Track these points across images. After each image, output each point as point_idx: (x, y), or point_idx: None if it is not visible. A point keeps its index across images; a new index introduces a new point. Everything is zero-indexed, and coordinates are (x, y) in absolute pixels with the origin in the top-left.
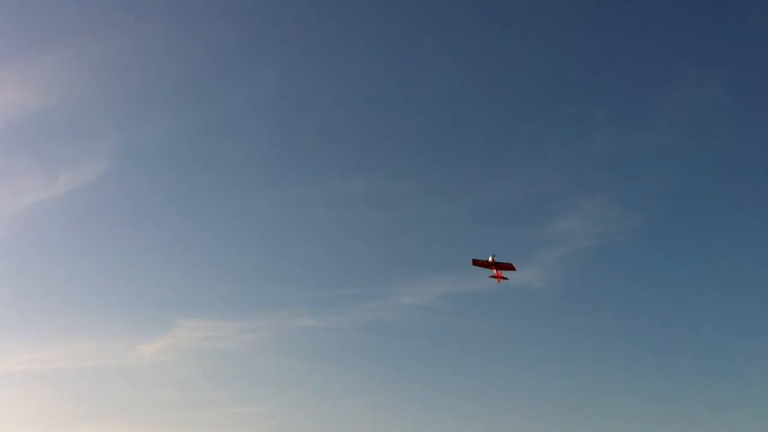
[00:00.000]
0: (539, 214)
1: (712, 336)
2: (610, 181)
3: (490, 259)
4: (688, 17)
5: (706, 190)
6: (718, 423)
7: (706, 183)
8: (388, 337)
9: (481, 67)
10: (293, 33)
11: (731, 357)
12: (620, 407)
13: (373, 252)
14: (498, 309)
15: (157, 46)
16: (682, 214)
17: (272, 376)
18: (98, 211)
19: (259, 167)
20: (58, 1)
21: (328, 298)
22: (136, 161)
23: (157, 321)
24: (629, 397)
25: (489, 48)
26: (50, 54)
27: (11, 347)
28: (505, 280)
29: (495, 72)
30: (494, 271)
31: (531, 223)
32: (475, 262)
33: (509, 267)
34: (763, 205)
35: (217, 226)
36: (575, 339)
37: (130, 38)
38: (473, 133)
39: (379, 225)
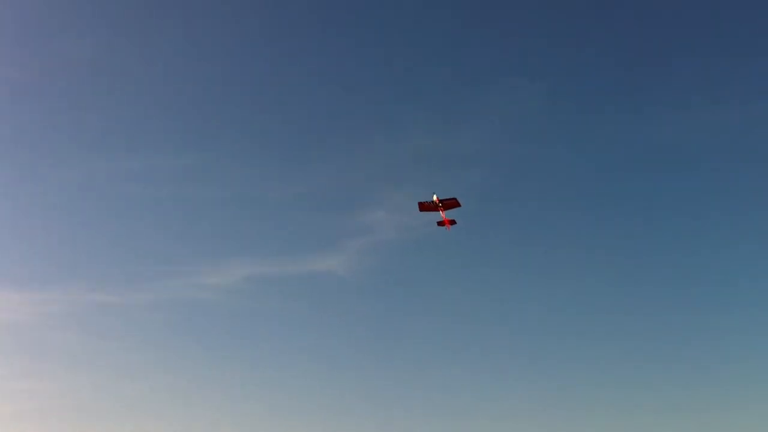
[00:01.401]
0: (350, 203)
1: (514, 335)
2: (423, 176)
3: (434, 198)
4: (510, 31)
5: (512, 190)
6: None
7: (514, 184)
8: (189, 317)
9: (318, 60)
10: None
11: (533, 355)
12: (410, 394)
13: (178, 230)
14: (300, 294)
15: None
16: (487, 212)
17: (61, 353)
18: None
19: (64, 137)
20: None
21: (127, 274)
22: None
23: None
24: (422, 384)
25: (326, 42)
26: None
27: None
28: (454, 225)
29: (327, 64)
30: (442, 215)
31: (341, 211)
32: (422, 207)
33: (454, 203)
34: (568, 205)
35: (13, 192)
36: (372, 326)
37: None
38: (296, 122)
39: (186, 203)
